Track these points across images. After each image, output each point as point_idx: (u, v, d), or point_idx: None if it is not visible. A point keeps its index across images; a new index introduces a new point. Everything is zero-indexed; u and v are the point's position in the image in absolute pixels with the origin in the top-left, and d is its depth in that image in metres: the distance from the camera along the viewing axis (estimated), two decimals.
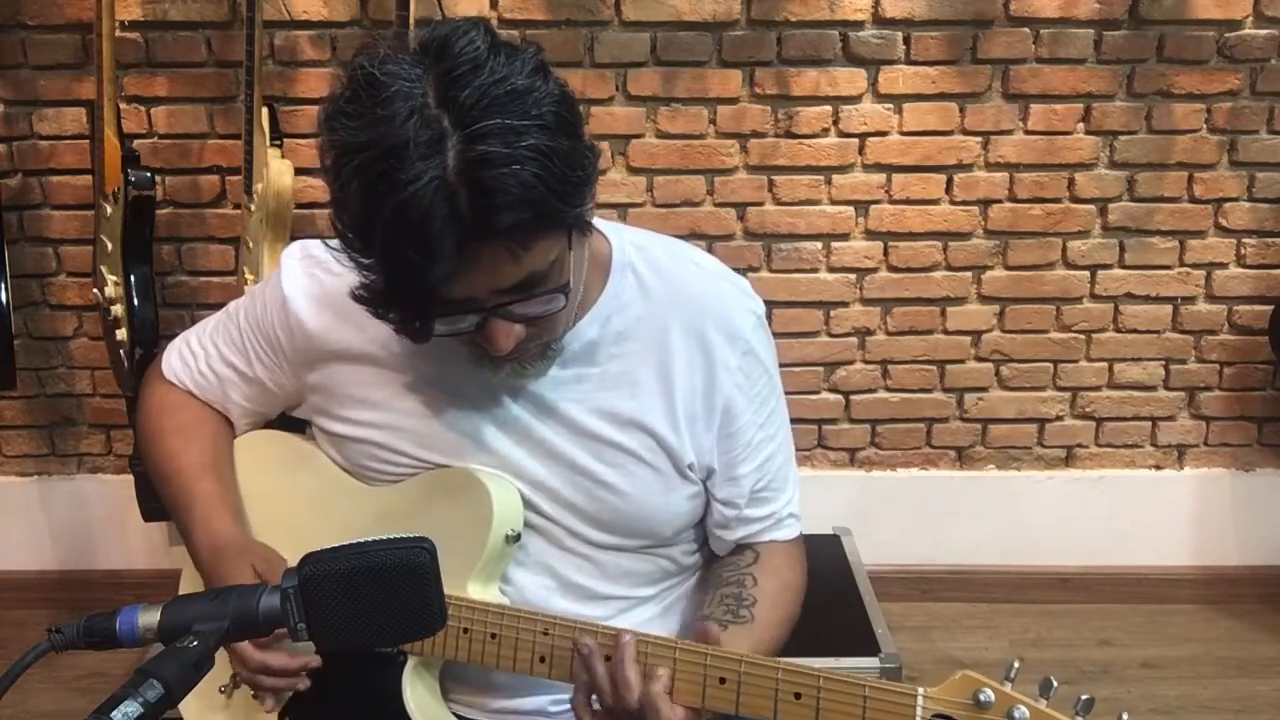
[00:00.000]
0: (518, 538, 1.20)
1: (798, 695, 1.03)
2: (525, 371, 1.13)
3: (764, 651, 1.14)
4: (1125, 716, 0.92)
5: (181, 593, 1.34)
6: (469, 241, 0.94)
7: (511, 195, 0.93)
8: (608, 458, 1.19)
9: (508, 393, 1.19)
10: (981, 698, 0.96)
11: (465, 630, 1.16)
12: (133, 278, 2.16)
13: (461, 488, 1.19)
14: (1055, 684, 0.94)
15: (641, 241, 1.24)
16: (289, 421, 1.35)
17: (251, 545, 1.24)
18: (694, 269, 1.24)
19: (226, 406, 1.34)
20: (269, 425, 1.39)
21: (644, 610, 1.27)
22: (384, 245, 0.96)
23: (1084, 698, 0.93)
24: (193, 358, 1.34)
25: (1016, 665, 0.97)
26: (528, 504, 1.20)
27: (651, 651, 1.09)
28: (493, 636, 1.15)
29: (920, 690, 0.98)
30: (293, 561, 0.85)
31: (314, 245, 1.26)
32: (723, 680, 1.06)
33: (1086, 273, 2.50)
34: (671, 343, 1.19)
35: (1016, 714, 0.94)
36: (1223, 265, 2.50)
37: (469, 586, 1.17)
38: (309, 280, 1.23)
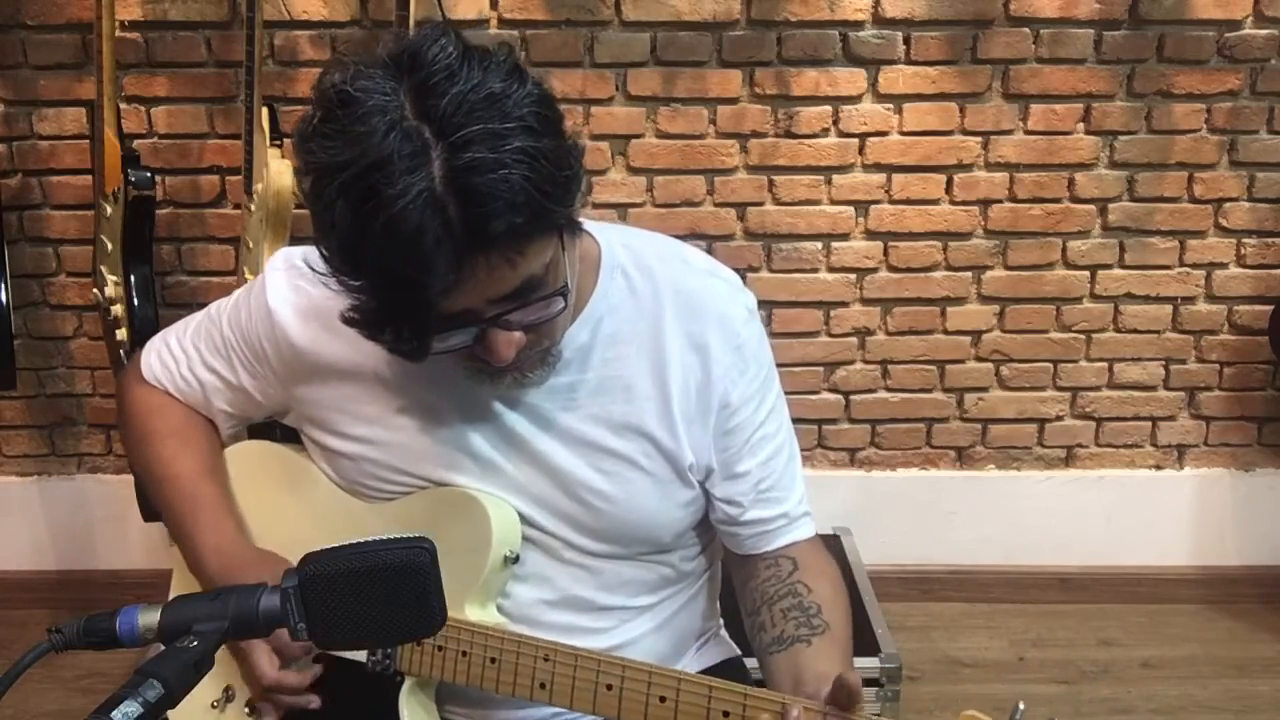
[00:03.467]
0: (516, 559, 1.18)
1: None
2: (526, 380, 1.11)
3: (846, 651, 1.15)
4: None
5: (173, 594, 1.34)
6: (464, 253, 0.91)
7: (502, 200, 0.90)
8: (604, 466, 1.18)
9: (502, 403, 1.17)
10: None
11: (464, 654, 1.15)
12: (133, 278, 2.16)
13: (459, 508, 1.18)
14: None
15: (629, 241, 1.22)
16: (286, 429, 1.33)
17: (265, 555, 1.22)
18: (682, 266, 1.22)
19: (210, 411, 1.31)
20: (263, 435, 1.38)
21: (643, 622, 1.26)
22: (375, 264, 0.93)
23: None
24: (174, 361, 1.31)
25: (1021, 707, 0.95)
26: (524, 517, 1.19)
27: (654, 681, 1.08)
28: (492, 661, 1.14)
29: None
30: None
31: (298, 255, 1.22)
32: (726, 714, 1.05)
33: (1086, 273, 2.50)
34: (665, 343, 1.17)
35: None
36: (1223, 265, 2.50)
37: (466, 608, 1.16)
38: (293, 293, 1.20)
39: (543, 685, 1.12)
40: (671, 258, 1.22)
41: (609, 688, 1.09)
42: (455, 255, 0.91)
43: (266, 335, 1.22)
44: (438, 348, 1.01)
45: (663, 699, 1.07)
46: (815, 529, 1.28)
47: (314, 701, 1.18)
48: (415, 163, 0.89)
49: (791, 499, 1.25)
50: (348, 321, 1.01)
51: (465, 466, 1.18)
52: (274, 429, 1.37)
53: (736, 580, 1.30)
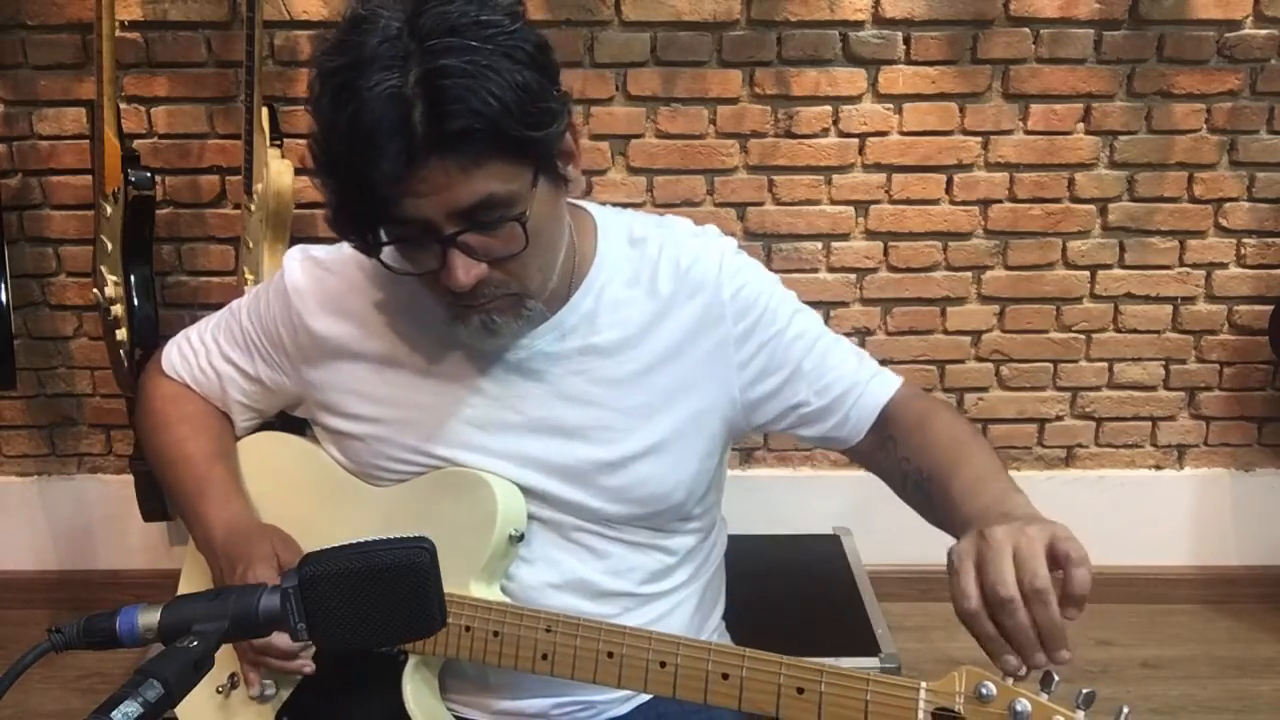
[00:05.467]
0: (521, 537, 1.20)
1: (800, 690, 1.03)
2: (496, 327, 1.12)
3: (963, 463, 1.16)
4: (1125, 710, 0.91)
5: (181, 591, 1.35)
6: (419, 149, 0.97)
7: (462, 104, 0.97)
8: (619, 424, 1.20)
9: (514, 374, 1.20)
10: (983, 691, 0.95)
11: (467, 628, 1.17)
12: (133, 278, 2.16)
13: (465, 488, 1.20)
14: (1056, 678, 0.94)
15: (621, 216, 1.29)
16: (290, 421, 1.35)
17: (269, 527, 1.26)
18: (672, 231, 1.27)
19: (226, 403, 1.35)
20: (271, 426, 1.40)
21: (648, 611, 1.27)
22: (339, 152, 1.00)
23: (1085, 691, 0.93)
24: (193, 354, 1.36)
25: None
26: (537, 492, 1.21)
27: (654, 647, 1.10)
28: (495, 634, 1.16)
29: (922, 684, 0.98)
30: None
31: (315, 248, 1.29)
32: (725, 676, 1.06)
33: (1086, 273, 2.50)
34: (667, 301, 1.22)
35: (1018, 707, 0.93)
36: (1223, 265, 2.50)
37: (471, 585, 1.18)
38: (311, 281, 1.25)
39: (545, 656, 1.14)
40: (664, 224, 1.29)
41: (610, 655, 1.11)
42: (408, 148, 0.97)
43: (284, 321, 1.27)
44: (400, 266, 1.08)
45: (663, 664, 1.09)
46: (898, 379, 1.29)
47: (308, 667, 1.19)
48: (393, 64, 0.97)
49: (848, 368, 1.27)
50: (328, 222, 1.07)
51: (477, 443, 1.21)
52: (276, 423, 1.39)
53: (876, 472, 1.31)
